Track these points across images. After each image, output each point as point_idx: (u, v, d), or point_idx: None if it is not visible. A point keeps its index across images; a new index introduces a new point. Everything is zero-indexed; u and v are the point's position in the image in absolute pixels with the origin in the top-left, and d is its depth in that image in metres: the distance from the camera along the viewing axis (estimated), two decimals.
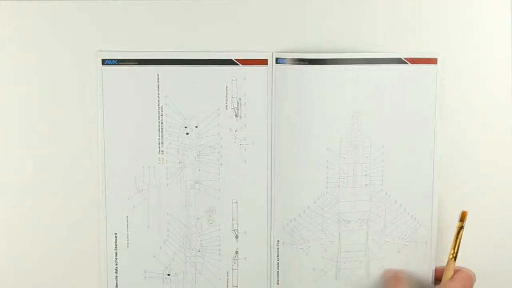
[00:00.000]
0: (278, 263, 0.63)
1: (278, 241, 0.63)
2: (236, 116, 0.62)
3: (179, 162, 0.63)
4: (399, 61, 0.61)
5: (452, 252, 0.62)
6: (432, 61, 0.62)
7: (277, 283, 0.63)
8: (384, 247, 0.64)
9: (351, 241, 0.63)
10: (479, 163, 0.66)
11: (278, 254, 0.63)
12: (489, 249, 0.67)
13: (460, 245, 0.62)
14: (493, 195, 0.66)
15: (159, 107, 0.62)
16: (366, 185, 0.63)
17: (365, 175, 0.63)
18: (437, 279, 0.64)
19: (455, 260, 0.62)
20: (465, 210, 0.62)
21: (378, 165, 0.63)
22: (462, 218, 0.62)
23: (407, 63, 0.62)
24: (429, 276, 0.64)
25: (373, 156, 0.63)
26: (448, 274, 0.61)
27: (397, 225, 0.64)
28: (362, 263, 0.64)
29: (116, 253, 0.63)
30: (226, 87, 0.62)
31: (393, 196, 0.63)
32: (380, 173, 0.63)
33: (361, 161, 0.63)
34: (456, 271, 0.61)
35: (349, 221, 0.63)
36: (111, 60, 0.61)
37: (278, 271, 0.63)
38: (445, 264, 0.63)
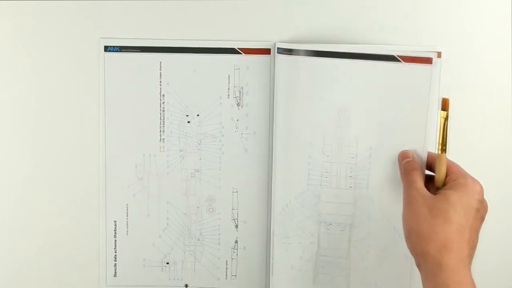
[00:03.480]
0: (273, 254, 0.62)
1: (273, 231, 0.62)
2: (238, 105, 0.62)
3: (180, 151, 0.62)
4: (392, 58, 0.57)
5: (440, 144, 0.53)
6: (427, 60, 0.57)
7: (272, 274, 0.63)
8: (366, 257, 0.60)
9: (331, 245, 0.61)
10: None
11: (272, 245, 0.62)
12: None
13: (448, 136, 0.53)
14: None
15: (161, 95, 0.62)
16: (350, 187, 0.60)
17: (350, 176, 0.60)
18: (431, 166, 0.56)
19: (445, 152, 0.53)
20: (446, 97, 0.54)
21: (365, 167, 0.59)
22: (444, 107, 0.53)
23: (400, 61, 0.57)
24: None
25: (360, 158, 0.59)
26: (441, 171, 0.53)
27: (380, 235, 0.60)
28: (342, 271, 0.61)
29: (115, 241, 0.63)
30: (229, 76, 0.61)
31: (378, 203, 0.59)
32: (366, 176, 0.59)
33: (346, 161, 0.60)
34: (448, 167, 0.53)
35: (330, 224, 0.61)
36: (114, 47, 0.61)
37: (272, 262, 0.62)
38: None
